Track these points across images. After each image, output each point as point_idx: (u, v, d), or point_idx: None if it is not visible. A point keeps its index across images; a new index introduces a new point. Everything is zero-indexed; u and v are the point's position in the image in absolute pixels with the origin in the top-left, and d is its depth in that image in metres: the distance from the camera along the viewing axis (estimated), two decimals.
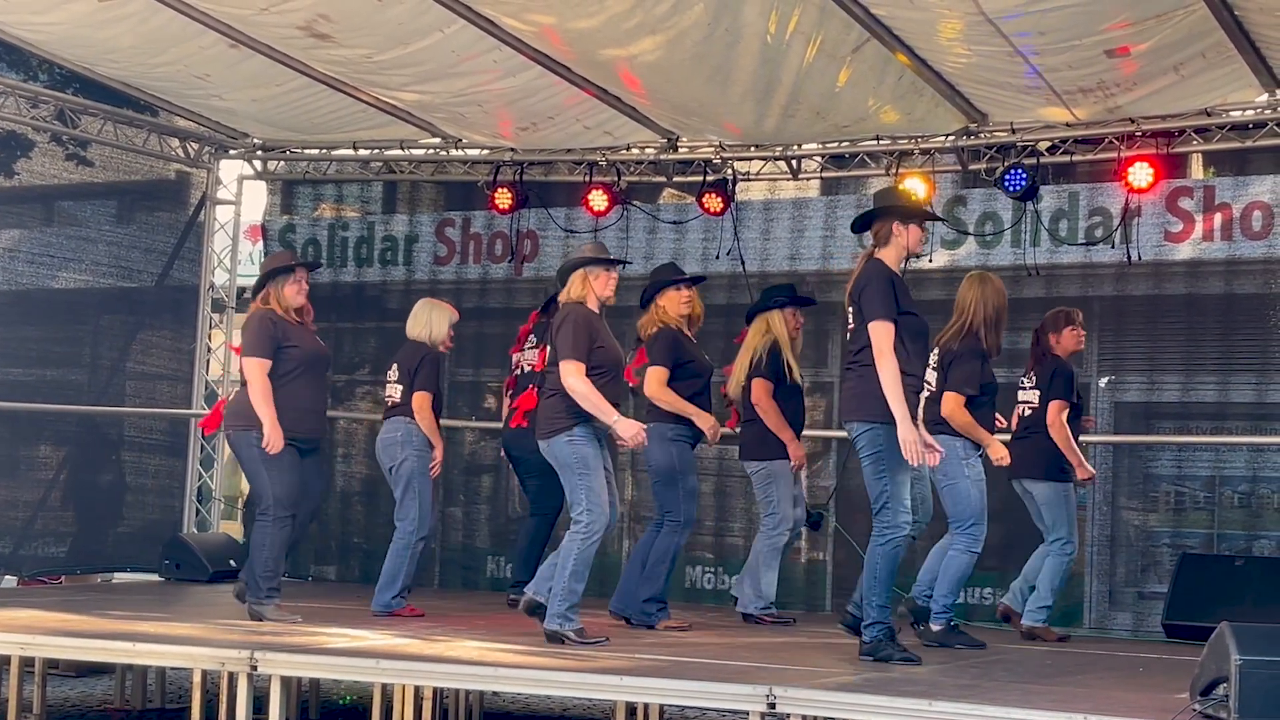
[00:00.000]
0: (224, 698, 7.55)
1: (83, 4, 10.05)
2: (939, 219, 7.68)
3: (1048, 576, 9.13)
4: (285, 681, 7.12)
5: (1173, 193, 11.07)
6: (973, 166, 11.29)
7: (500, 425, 10.76)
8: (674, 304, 9.01)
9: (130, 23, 10.29)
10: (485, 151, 12.50)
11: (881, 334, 7.29)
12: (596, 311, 8.00)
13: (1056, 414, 9.02)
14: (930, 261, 11.31)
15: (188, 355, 13.11)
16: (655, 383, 8.85)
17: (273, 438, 8.38)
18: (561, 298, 8.14)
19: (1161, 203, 11.05)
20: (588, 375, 7.78)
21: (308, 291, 8.76)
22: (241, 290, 13.90)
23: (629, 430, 7.79)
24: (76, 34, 10.63)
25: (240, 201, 13.46)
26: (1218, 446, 11.26)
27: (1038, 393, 9.18)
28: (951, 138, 11.18)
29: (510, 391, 10.36)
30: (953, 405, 8.25)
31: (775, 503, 9.46)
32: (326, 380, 8.96)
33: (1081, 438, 9.49)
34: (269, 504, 8.48)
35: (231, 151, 13.18)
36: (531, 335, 10.31)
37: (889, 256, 7.51)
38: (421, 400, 9.26)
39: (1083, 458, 9.20)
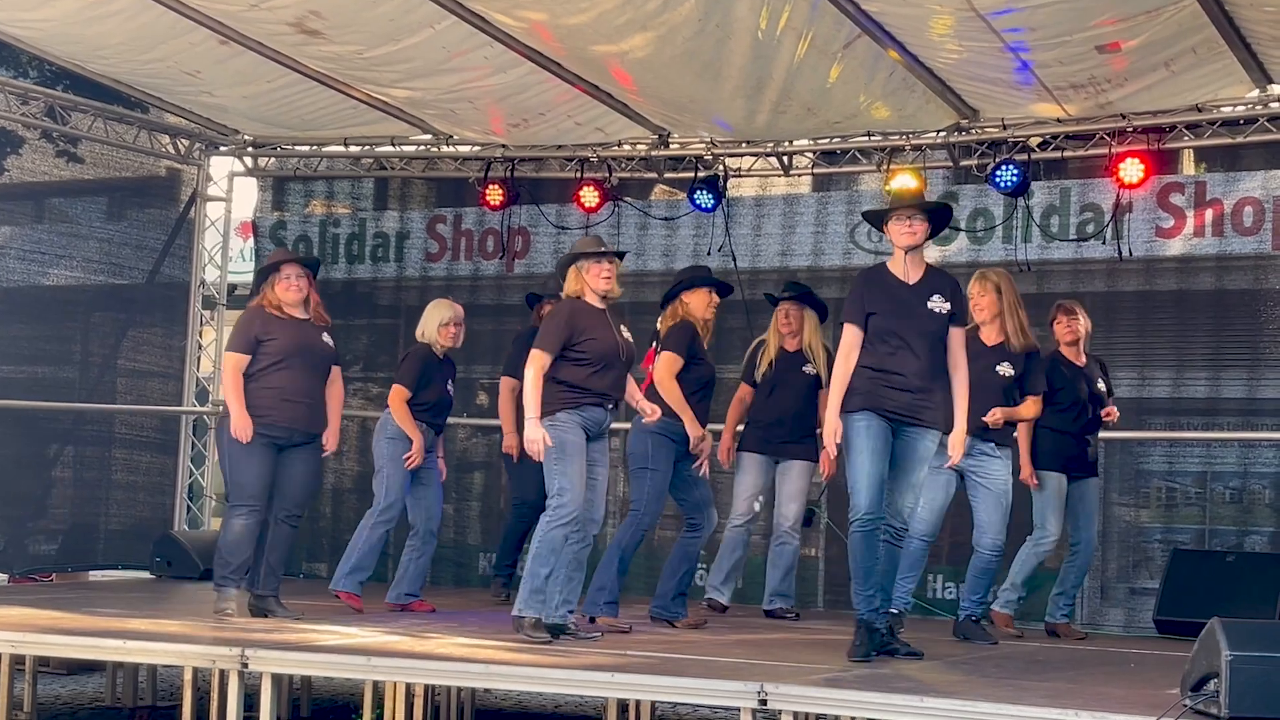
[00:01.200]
0: (215, 695, 7.55)
1: (72, 0, 10.03)
2: (899, 208, 7.48)
3: (1017, 564, 9.16)
4: (276, 679, 7.12)
5: (1164, 189, 11.08)
6: (964, 163, 11.30)
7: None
8: (700, 304, 8.89)
9: (120, 19, 10.27)
10: (476, 148, 12.50)
11: (843, 334, 7.46)
12: (600, 306, 7.94)
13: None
14: None
15: (179, 352, 13.10)
16: (665, 369, 8.68)
17: (238, 426, 8.41)
18: (563, 295, 8.16)
19: (1152, 199, 11.05)
20: (572, 365, 7.78)
21: (304, 286, 8.64)
22: (233, 287, 13.91)
23: (529, 435, 7.66)
24: (66, 30, 10.61)
25: (231, 198, 13.43)
26: (1209, 442, 11.27)
27: None
28: (943, 134, 11.18)
29: None
30: None
31: (736, 492, 9.66)
32: (319, 374, 8.75)
33: None
34: (229, 491, 8.58)
35: (222, 148, 13.17)
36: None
37: (891, 259, 7.56)
38: (394, 392, 9.43)
39: (1026, 459, 9.00)
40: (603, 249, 8.10)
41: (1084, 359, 9.29)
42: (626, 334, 8.01)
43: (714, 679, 6.55)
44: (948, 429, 7.48)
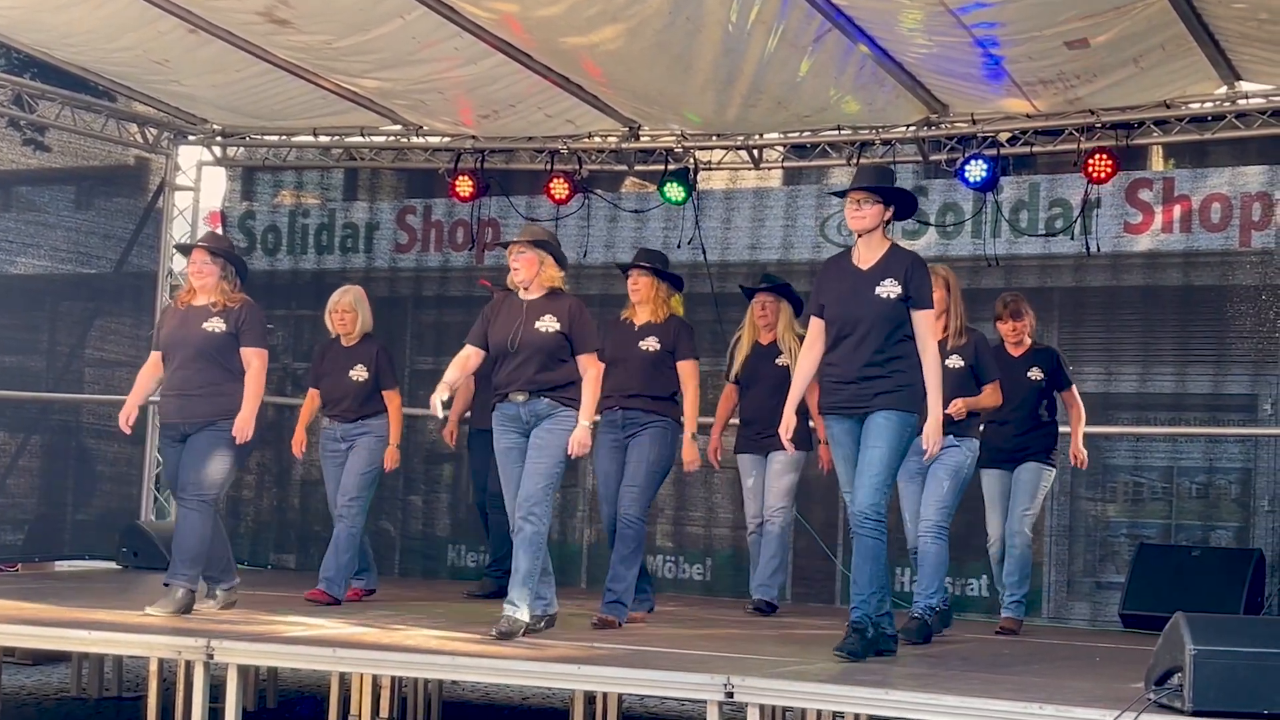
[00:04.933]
0: (181, 686, 7.53)
1: None
2: (850, 190, 7.37)
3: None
4: (242, 670, 7.10)
5: (1132, 184, 11.13)
6: (934, 157, 11.30)
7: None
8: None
9: (88, 7, 10.22)
10: (446, 139, 12.46)
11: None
12: (525, 297, 7.89)
13: None
14: None
15: (146, 342, 12.96)
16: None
17: (121, 411, 8.53)
18: None
19: (1121, 194, 11.10)
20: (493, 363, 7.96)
21: (212, 270, 8.45)
22: None
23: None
24: (34, 18, 10.55)
25: (199, 188, 13.36)
26: (1175, 437, 11.33)
27: None
28: (912, 128, 11.18)
29: None
30: None
31: (745, 497, 9.69)
32: (194, 362, 8.37)
33: None
34: None
35: (191, 137, 13.11)
36: None
37: (854, 245, 7.46)
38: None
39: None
40: (512, 239, 8.00)
41: (1022, 349, 9.29)
42: (539, 325, 7.76)
43: (680, 671, 6.55)
44: (911, 410, 7.22)
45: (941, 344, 8.38)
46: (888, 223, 7.37)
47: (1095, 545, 11.44)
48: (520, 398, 7.75)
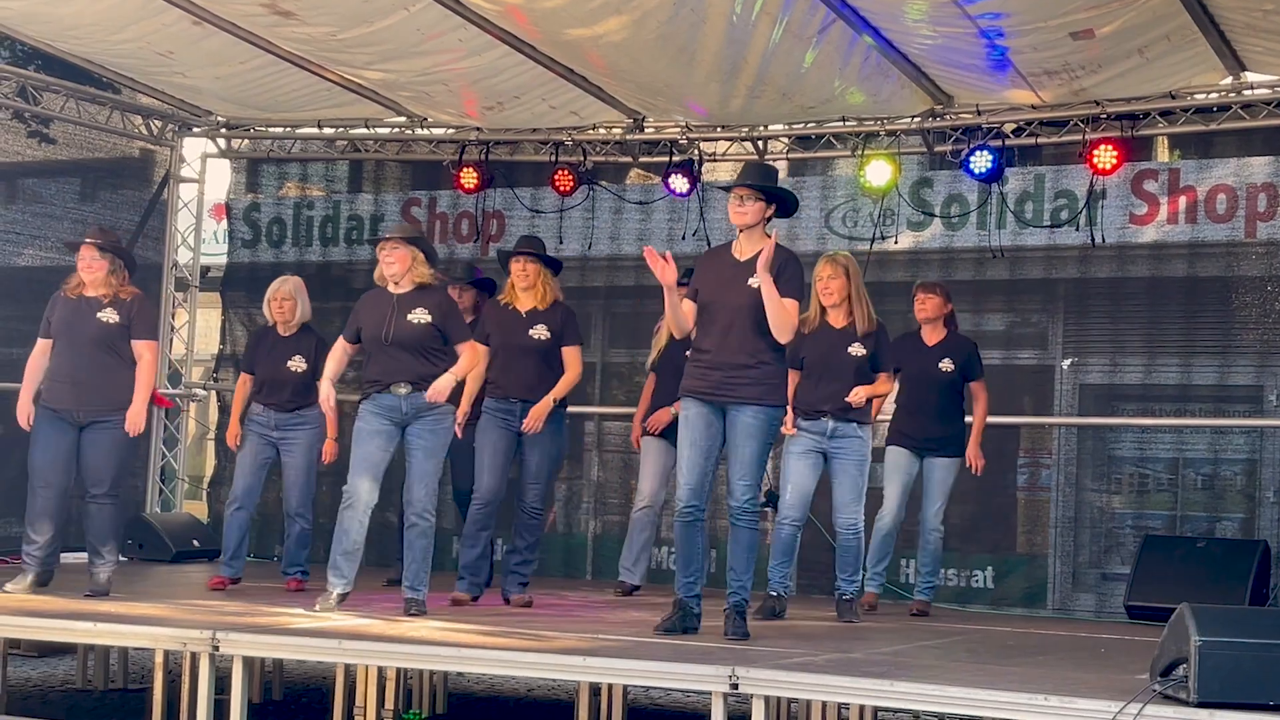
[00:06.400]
0: (186, 678, 7.53)
1: None
2: (733, 186, 7.56)
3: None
4: (247, 662, 7.11)
5: (1137, 175, 11.10)
6: (938, 148, 11.29)
7: None
8: (513, 275, 9.04)
9: None
10: (451, 131, 12.47)
11: None
12: (392, 291, 8.15)
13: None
14: (895, 243, 11.37)
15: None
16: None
17: (18, 409, 8.59)
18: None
19: (1126, 185, 11.08)
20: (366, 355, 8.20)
21: (101, 266, 8.64)
22: (206, 269, 13.87)
23: (321, 392, 8.29)
24: (38, 10, 10.55)
25: (204, 180, 13.38)
26: (1180, 429, 11.31)
27: None
28: (917, 119, 11.18)
29: None
30: None
31: (640, 474, 9.78)
32: (89, 351, 8.55)
33: (1044, 419, 9.59)
34: None
35: (195, 129, 13.11)
36: None
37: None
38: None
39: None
40: (382, 236, 8.31)
41: (937, 339, 9.36)
42: (411, 316, 8.07)
43: (685, 663, 6.55)
44: (778, 404, 7.42)
45: (849, 330, 8.62)
46: (768, 219, 7.55)
47: (1100, 536, 11.43)
48: (403, 390, 8.06)
